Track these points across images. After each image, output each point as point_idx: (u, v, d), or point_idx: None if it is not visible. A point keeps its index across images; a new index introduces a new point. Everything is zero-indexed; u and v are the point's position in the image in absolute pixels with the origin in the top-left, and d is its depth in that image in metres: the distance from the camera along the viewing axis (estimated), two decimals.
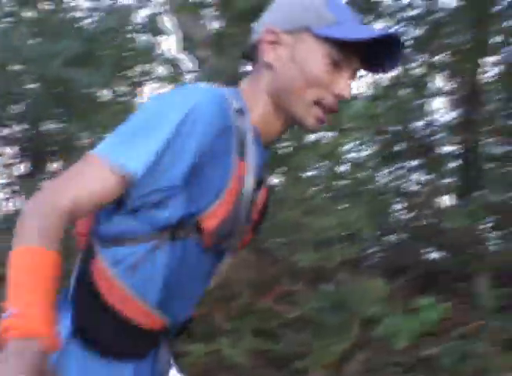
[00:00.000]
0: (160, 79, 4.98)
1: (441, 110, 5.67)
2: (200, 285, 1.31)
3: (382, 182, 5.10)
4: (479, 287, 4.03)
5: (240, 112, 1.22)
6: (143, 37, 5.11)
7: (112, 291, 1.19)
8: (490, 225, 4.74)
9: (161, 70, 5.09)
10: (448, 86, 5.49)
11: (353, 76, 1.25)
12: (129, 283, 1.20)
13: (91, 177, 1.13)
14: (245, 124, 1.22)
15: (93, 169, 1.14)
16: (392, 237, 5.07)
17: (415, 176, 5.21)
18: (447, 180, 5.22)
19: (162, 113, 1.15)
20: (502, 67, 5.36)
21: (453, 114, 5.52)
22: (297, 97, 1.23)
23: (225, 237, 1.22)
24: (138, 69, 5.31)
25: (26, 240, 1.07)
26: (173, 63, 4.75)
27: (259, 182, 1.26)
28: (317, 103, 1.23)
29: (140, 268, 1.20)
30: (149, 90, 5.36)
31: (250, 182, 1.21)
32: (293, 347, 3.76)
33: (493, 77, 5.47)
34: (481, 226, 4.61)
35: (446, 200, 5.21)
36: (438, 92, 5.52)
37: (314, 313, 3.80)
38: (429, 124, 5.17)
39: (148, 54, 5.09)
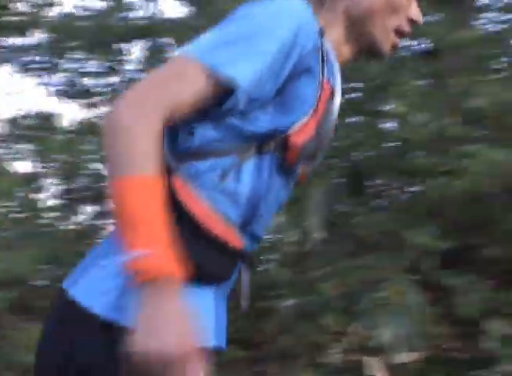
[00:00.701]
0: None
1: None
2: (272, 209, 1.24)
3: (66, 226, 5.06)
4: None
5: (321, 33, 1.19)
6: None
7: (196, 206, 1.11)
8: None
9: None
10: None
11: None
12: (211, 198, 1.13)
13: (190, 81, 1.05)
14: (326, 44, 1.21)
15: (193, 73, 1.05)
16: None
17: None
18: None
19: (268, 23, 1.10)
20: None
21: None
22: (379, 24, 1.24)
23: (308, 156, 1.19)
24: None
25: (134, 167, 0.99)
26: None
27: None
28: (396, 30, 1.25)
29: (223, 182, 1.13)
30: None
31: (338, 100, 1.20)
32: None
33: None
34: None
35: None
36: None
37: None
38: None
39: None
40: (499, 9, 5.24)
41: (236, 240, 1.17)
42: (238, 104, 1.10)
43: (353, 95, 4.36)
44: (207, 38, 1.11)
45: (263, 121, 1.15)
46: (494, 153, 3.49)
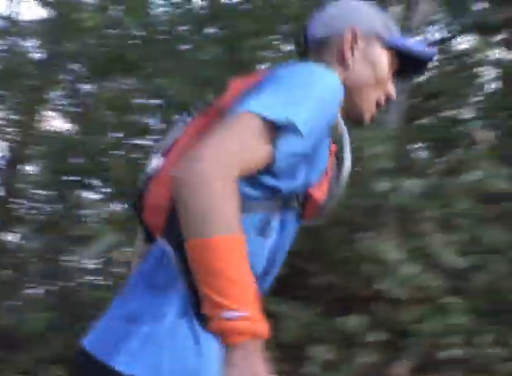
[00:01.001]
0: None
1: None
2: (282, 258, 1.28)
3: None
4: None
5: None
6: None
7: None
8: None
9: None
10: None
11: None
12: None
13: (258, 136, 1.09)
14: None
15: (259, 128, 1.09)
16: None
17: None
18: None
19: (318, 87, 1.16)
20: None
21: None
22: (365, 95, 1.33)
23: (322, 210, 1.27)
24: None
25: (226, 226, 1.01)
26: None
27: None
28: (376, 102, 1.36)
29: (263, 240, 1.17)
30: None
31: (348, 160, 1.28)
32: None
33: None
34: None
35: None
36: None
37: None
38: None
39: None
40: None
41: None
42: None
43: None
44: (264, 95, 1.14)
45: (294, 178, 1.20)
46: None
